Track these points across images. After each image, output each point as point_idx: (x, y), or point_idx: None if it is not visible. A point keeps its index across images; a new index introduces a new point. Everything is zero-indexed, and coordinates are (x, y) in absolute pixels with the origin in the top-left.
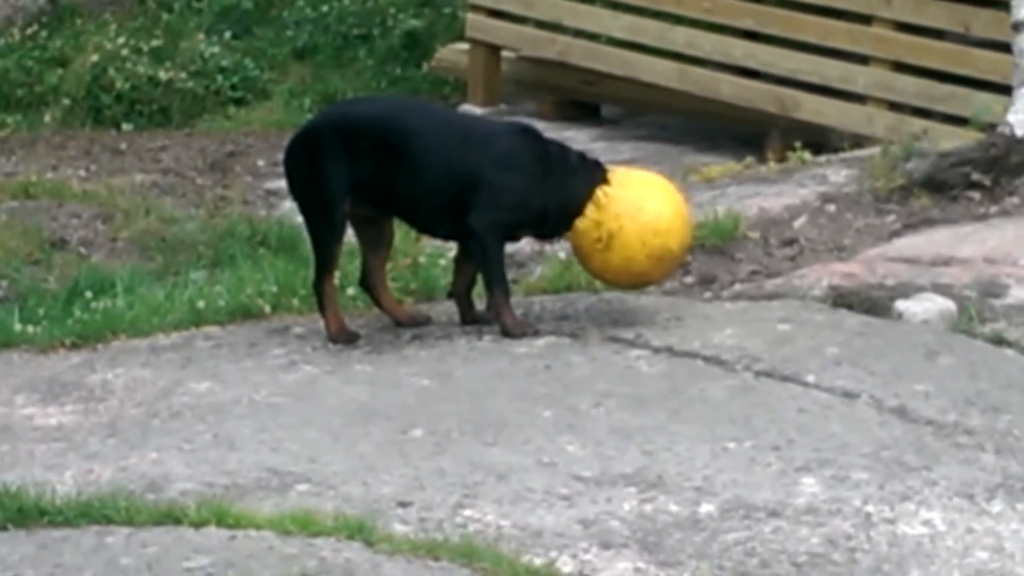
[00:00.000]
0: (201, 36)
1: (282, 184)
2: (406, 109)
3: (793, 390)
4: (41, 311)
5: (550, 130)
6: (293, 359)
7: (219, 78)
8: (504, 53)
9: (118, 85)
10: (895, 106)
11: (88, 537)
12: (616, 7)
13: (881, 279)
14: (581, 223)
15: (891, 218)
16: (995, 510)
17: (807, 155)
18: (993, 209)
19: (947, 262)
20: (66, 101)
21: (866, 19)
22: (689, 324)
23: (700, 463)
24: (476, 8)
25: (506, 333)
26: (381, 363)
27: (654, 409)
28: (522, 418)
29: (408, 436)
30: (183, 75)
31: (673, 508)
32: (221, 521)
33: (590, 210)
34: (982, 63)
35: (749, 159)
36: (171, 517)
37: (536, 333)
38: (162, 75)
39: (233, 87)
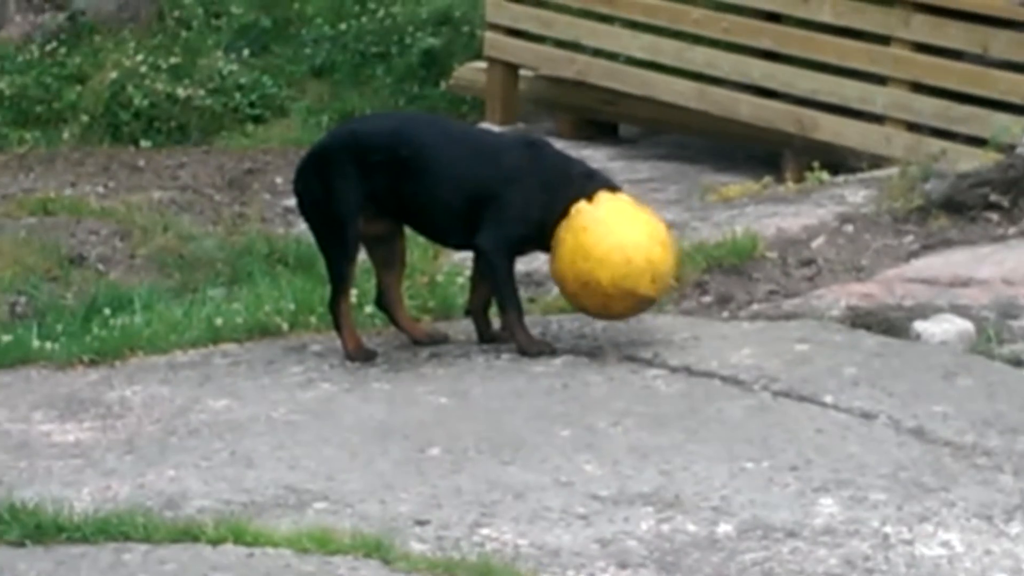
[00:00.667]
0: (219, 53)
1: None
2: (414, 122)
3: (811, 410)
4: (59, 328)
5: (568, 149)
6: (311, 377)
7: (237, 95)
8: (522, 72)
9: (136, 102)
10: (913, 127)
11: (106, 554)
12: (635, 27)
13: (899, 300)
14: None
15: (909, 239)
16: (1013, 531)
17: (825, 175)
18: (1011, 230)
19: (965, 283)
20: (84, 118)
21: (884, 39)
22: (707, 344)
23: (718, 483)
24: (494, 27)
25: (522, 352)
26: (398, 381)
27: (671, 428)
28: (539, 437)
29: (425, 454)
30: (201, 92)
31: (691, 528)
32: (239, 538)
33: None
34: (1001, 84)
35: (767, 179)
36: (189, 534)
37: (552, 352)
38: (180, 92)
39: (251, 104)
